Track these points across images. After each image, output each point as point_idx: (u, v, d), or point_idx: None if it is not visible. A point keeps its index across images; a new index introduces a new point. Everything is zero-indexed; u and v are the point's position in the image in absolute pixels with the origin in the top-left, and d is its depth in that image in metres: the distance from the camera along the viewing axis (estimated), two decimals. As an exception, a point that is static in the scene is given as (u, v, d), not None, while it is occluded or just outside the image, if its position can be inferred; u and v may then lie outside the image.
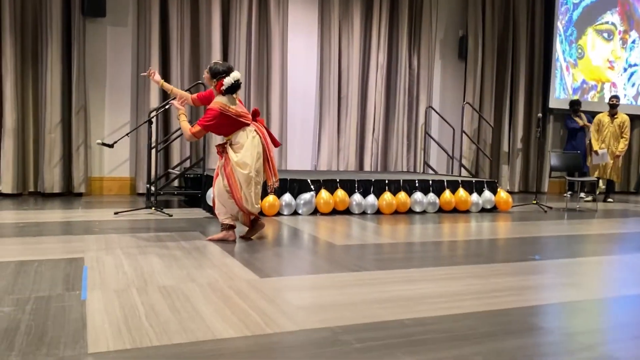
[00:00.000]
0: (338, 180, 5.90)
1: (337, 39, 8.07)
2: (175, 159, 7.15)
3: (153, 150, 5.72)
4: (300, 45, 8.01)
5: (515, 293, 2.81)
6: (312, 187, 5.73)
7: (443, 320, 2.32)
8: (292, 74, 7.88)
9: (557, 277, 3.23)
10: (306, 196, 5.63)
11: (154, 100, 6.92)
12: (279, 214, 5.53)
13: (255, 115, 4.07)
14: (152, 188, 5.73)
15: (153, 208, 5.40)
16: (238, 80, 3.86)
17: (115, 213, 5.18)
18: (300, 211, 5.62)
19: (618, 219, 6.29)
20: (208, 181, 5.69)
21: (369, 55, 8.32)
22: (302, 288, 2.81)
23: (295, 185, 5.71)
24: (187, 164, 7.02)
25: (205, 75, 3.95)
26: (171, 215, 5.22)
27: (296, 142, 8.05)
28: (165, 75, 7.16)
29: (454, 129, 8.34)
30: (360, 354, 1.90)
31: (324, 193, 5.70)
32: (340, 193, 5.78)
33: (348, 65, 8.17)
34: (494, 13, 9.09)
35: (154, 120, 5.58)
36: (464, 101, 8.78)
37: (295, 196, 5.66)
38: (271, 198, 5.44)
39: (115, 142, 5.05)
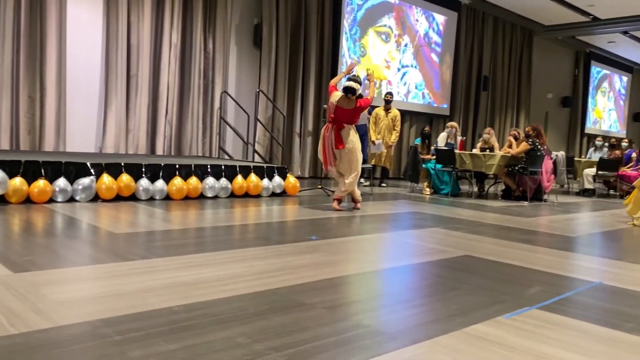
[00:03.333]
0: (123, 164, 5.53)
1: (125, 11, 7.52)
2: None
3: None
4: (82, 15, 7.28)
5: (288, 272, 2.96)
6: (92, 171, 5.27)
7: (215, 304, 2.32)
8: (72, 45, 7.13)
9: (329, 255, 3.49)
10: (85, 181, 5.16)
11: None
12: (51, 200, 4.97)
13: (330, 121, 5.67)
14: None
15: None
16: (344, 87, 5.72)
17: None
18: (77, 197, 5.13)
19: (390, 201, 7.09)
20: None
21: (162, 34, 7.95)
22: (65, 282, 2.56)
23: (72, 169, 5.19)
24: None
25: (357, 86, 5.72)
26: None
27: (77, 122, 7.33)
28: None
29: (248, 115, 8.47)
30: (118, 346, 1.79)
31: (105, 177, 5.29)
32: (125, 178, 5.43)
33: (138, 42, 7.69)
34: (287, 4, 9.42)
35: None
36: (258, 88, 8.97)
37: (71, 181, 5.14)
38: (41, 183, 4.86)
39: None
